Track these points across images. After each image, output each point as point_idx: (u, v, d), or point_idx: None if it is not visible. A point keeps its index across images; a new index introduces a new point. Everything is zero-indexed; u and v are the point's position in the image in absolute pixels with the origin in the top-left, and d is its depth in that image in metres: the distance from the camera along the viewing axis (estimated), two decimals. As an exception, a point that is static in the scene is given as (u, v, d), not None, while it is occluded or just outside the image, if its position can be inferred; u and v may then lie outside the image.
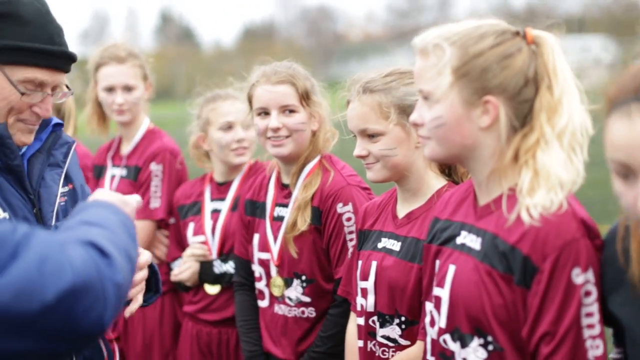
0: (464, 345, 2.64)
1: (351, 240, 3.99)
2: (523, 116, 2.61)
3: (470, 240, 2.67)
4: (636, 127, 2.12)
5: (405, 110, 3.42)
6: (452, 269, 2.69)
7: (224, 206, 5.03)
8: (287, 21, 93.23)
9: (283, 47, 79.51)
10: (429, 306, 2.82)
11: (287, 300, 4.20)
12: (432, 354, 2.79)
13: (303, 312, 4.18)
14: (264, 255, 4.30)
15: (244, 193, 4.57)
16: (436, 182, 3.52)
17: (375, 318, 3.49)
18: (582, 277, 2.44)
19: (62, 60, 3.04)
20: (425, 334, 2.90)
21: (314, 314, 4.18)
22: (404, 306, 3.39)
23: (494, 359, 2.57)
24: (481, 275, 2.58)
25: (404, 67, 3.53)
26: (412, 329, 3.37)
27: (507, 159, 2.61)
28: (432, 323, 2.78)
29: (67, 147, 3.22)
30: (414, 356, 3.30)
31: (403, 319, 3.41)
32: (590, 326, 2.45)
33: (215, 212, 5.05)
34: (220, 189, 5.11)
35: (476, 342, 2.60)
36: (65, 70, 3.08)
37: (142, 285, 3.11)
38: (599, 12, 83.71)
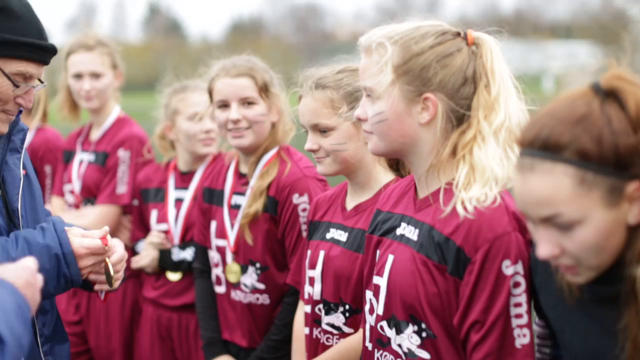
0: (399, 331, 2.73)
1: (306, 230, 4.05)
2: (461, 113, 2.70)
3: (408, 231, 2.75)
4: (529, 183, 2.20)
5: (355, 106, 3.43)
6: (390, 259, 2.78)
7: (187, 195, 5.12)
8: (276, 17, 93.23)
9: (270, 43, 79.48)
10: (368, 294, 2.90)
11: (243, 287, 4.28)
12: (370, 340, 2.87)
13: (257, 299, 4.26)
14: (221, 242, 4.38)
15: (201, 181, 4.68)
16: (384, 176, 3.60)
17: (321, 306, 3.57)
18: (512, 269, 2.54)
19: (49, 54, 3.16)
20: (365, 322, 2.98)
21: (267, 302, 4.26)
22: (349, 295, 3.46)
23: (427, 345, 2.67)
24: (417, 265, 2.68)
25: (355, 64, 3.56)
26: (356, 318, 3.45)
27: (445, 154, 2.70)
28: (371, 310, 2.86)
29: (23, 133, 3.29)
30: (356, 344, 3.36)
31: (347, 307, 3.48)
32: (519, 316, 2.54)
33: (179, 201, 5.13)
34: (184, 178, 5.19)
35: (411, 328, 2.70)
36: (48, 62, 3.20)
37: (123, 271, 3.25)
38: (586, 19, 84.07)
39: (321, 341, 3.58)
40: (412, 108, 2.71)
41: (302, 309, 3.76)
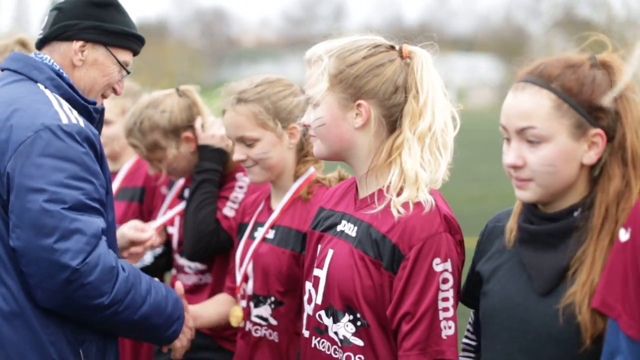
0: (336, 320, 2.96)
1: None
2: (394, 120, 2.97)
3: (348, 228, 2.99)
4: (517, 98, 2.64)
5: (277, 115, 3.76)
6: (330, 253, 3.01)
7: None
8: (181, 21, 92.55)
9: (175, 47, 78.88)
10: (308, 285, 3.12)
11: None
12: (308, 328, 3.10)
13: None
14: None
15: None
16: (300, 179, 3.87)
17: (252, 300, 3.80)
18: (442, 266, 2.81)
19: (142, 46, 3.59)
20: (233, 291, 3.39)
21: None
22: (276, 288, 3.69)
23: (361, 333, 2.91)
24: (355, 260, 2.91)
25: (273, 76, 3.88)
26: (279, 310, 3.70)
27: (382, 158, 2.96)
28: (310, 300, 3.09)
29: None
30: (225, 300, 3.87)
31: (273, 299, 3.72)
32: (446, 309, 2.81)
33: None
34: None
35: (346, 318, 2.93)
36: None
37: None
38: (488, 34, 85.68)
39: (251, 332, 3.81)
40: (347, 114, 2.97)
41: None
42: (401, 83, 2.96)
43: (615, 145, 2.60)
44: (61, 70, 3.37)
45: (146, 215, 5.06)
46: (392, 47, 3.01)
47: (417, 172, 2.89)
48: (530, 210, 2.70)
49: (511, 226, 2.76)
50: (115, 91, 3.54)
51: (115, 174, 5.15)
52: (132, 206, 5.13)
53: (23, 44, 3.87)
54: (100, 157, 3.26)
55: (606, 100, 2.58)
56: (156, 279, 3.47)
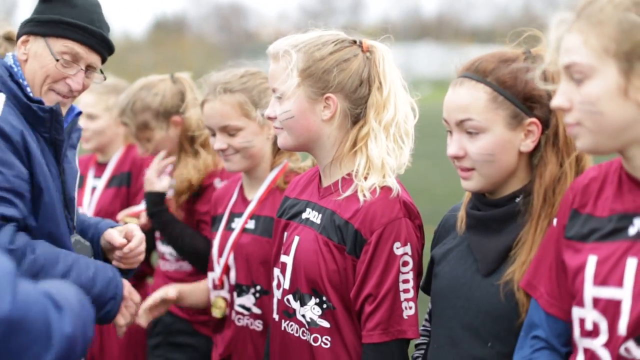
0: (303, 303, 3.10)
1: None
2: (359, 111, 3.10)
3: (313, 215, 3.13)
4: (456, 93, 2.79)
5: (259, 106, 3.90)
6: (296, 240, 3.15)
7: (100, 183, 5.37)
8: (199, 16, 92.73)
9: (193, 42, 79.03)
10: (276, 271, 3.25)
11: None
12: (277, 312, 3.23)
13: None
14: None
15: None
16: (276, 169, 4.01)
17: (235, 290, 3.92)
18: (402, 250, 2.95)
19: (97, 40, 3.44)
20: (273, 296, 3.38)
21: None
22: (260, 277, 3.81)
23: (327, 315, 3.04)
24: (320, 245, 3.05)
25: (252, 69, 4.02)
26: (263, 299, 3.81)
27: (346, 147, 3.10)
28: (278, 285, 3.22)
29: (79, 132, 3.61)
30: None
31: (258, 287, 3.83)
32: (406, 290, 2.96)
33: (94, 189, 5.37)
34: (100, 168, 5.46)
35: (313, 301, 3.07)
36: (101, 52, 3.48)
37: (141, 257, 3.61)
38: (507, 25, 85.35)
39: (234, 322, 3.91)
40: (316, 106, 3.09)
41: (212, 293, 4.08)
42: (365, 76, 3.10)
43: (550, 133, 2.76)
44: (15, 68, 3.40)
45: (133, 197, 5.26)
46: (354, 42, 3.14)
47: (384, 159, 3.03)
48: (477, 197, 2.86)
49: (462, 214, 2.90)
50: (70, 87, 3.43)
51: (105, 165, 5.38)
52: (121, 191, 5.33)
53: (9, 38, 3.85)
54: (20, 151, 3.22)
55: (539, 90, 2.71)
56: (98, 262, 3.46)
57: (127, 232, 3.58)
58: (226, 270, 3.95)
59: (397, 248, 2.94)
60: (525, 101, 2.75)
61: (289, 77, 3.07)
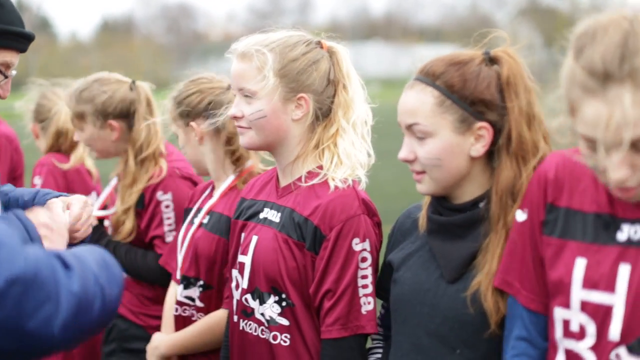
0: (262, 302, 3.11)
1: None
2: (325, 111, 3.15)
3: (272, 215, 3.15)
4: (406, 96, 2.78)
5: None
6: (255, 239, 3.16)
7: None
8: (147, 17, 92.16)
9: (142, 43, 78.55)
10: (234, 272, 3.26)
11: None
12: (236, 313, 3.23)
13: None
14: None
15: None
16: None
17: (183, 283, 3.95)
18: (360, 246, 2.98)
19: (29, 43, 3.16)
20: (229, 303, 3.34)
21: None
22: (203, 271, 3.85)
23: (287, 313, 3.06)
24: (279, 243, 3.07)
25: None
26: (206, 293, 3.85)
27: (310, 146, 3.14)
28: (237, 286, 3.23)
29: None
30: (218, 319, 3.76)
31: (202, 282, 3.86)
32: (365, 286, 2.99)
33: None
34: None
35: (272, 299, 3.08)
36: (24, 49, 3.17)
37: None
38: (454, 24, 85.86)
39: (180, 314, 3.95)
40: (288, 106, 3.11)
41: (174, 286, 4.10)
42: (332, 77, 3.14)
43: (504, 137, 2.72)
44: None
45: None
46: (318, 43, 3.18)
47: (355, 155, 3.09)
48: (439, 202, 2.83)
49: (422, 217, 2.89)
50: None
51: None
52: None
53: None
54: None
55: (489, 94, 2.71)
56: None
57: (68, 202, 3.13)
58: (183, 263, 3.98)
59: (356, 244, 2.97)
60: (474, 105, 2.72)
61: (265, 78, 3.08)
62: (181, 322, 3.94)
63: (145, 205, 4.45)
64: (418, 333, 2.79)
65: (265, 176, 3.37)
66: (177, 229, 4.31)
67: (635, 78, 2.10)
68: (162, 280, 4.33)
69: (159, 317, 4.23)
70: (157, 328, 4.33)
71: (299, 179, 3.12)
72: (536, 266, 2.52)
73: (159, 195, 4.43)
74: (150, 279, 4.45)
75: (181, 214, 4.24)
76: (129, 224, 4.44)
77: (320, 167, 3.10)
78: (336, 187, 3.03)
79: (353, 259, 2.97)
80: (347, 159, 3.08)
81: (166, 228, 4.41)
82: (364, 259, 2.98)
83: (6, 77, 3.12)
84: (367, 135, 3.16)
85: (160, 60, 71.00)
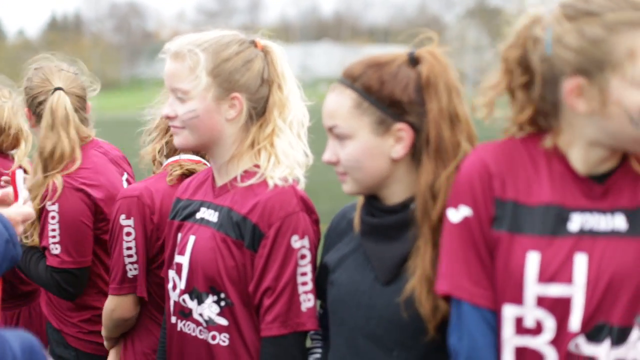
0: (200, 302, 3.09)
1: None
2: (259, 110, 3.14)
3: (209, 214, 3.14)
4: (328, 99, 2.77)
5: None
6: (192, 239, 3.14)
7: None
8: (96, 16, 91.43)
9: (91, 42, 77.90)
10: (171, 273, 3.24)
11: None
12: (174, 314, 3.21)
13: None
14: None
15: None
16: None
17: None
18: (299, 243, 2.97)
19: None
20: (117, 289, 3.57)
21: None
22: None
23: (225, 312, 3.04)
24: (217, 242, 3.06)
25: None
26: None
27: (245, 145, 3.13)
28: (174, 287, 3.20)
29: None
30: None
31: None
32: (304, 283, 2.98)
33: None
34: None
35: (211, 299, 3.06)
36: None
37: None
38: (403, 24, 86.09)
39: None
40: (221, 106, 3.10)
41: None
42: (266, 76, 3.13)
43: (423, 138, 2.68)
44: None
45: None
46: (252, 42, 3.16)
47: (292, 154, 3.09)
48: (371, 203, 2.81)
49: (356, 219, 2.87)
50: None
51: None
52: None
53: None
54: None
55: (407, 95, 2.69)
56: None
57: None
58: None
59: (295, 241, 2.96)
60: (392, 106, 2.69)
61: (198, 78, 3.06)
62: None
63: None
64: (355, 335, 2.77)
65: (201, 176, 3.35)
66: (69, 245, 4.18)
67: None
68: (53, 288, 4.21)
69: (77, 325, 4.26)
70: (74, 336, 4.33)
71: (235, 179, 3.11)
72: (484, 265, 2.45)
73: (48, 205, 4.19)
74: (42, 286, 4.31)
75: (71, 227, 4.12)
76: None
77: (257, 167, 3.08)
78: (275, 185, 3.02)
79: (292, 256, 2.96)
80: (286, 159, 3.08)
81: (50, 243, 4.18)
82: (303, 256, 2.98)
83: None
84: (303, 135, 3.17)
85: (110, 59, 70.45)
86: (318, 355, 3.05)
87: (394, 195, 2.76)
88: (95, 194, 4.21)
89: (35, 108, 4.28)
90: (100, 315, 4.07)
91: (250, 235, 3.00)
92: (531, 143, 2.47)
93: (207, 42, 3.10)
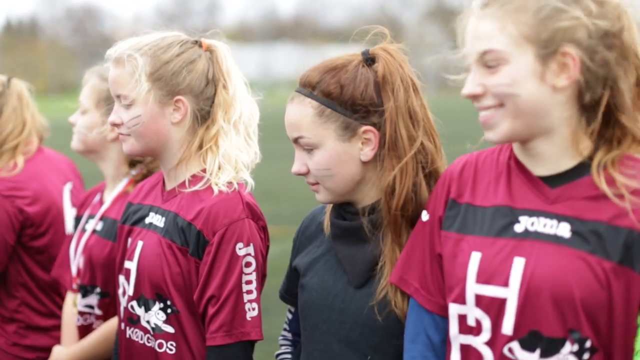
0: (147, 309, 3.06)
1: None
2: (206, 111, 3.09)
3: (156, 219, 3.10)
4: (288, 109, 2.75)
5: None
6: (140, 244, 3.11)
7: None
8: (52, 19, 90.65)
9: (47, 45, 77.22)
10: (121, 279, 3.20)
11: None
12: (123, 320, 3.18)
13: None
14: None
15: None
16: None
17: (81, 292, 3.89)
18: (244, 250, 2.94)
19: None
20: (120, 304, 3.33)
21: None
22: (99, 279, 3.81)
23: (172, 320, 3.01)
24: (163, 248, 3.01)
25: None
26: (104, 301, 3.81)
27: (193, 148, 3.08)
28: (124, 293, 3.17)
29: None
30: (113, 326, 3.65)
31: (99, 290, 3.82)
32: (249, 292, 2.95)
33: None
34: None
35: (157, 306, 3.03)
36: None
37: None
38: (363, 24, 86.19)
39: (80, 322, 3.90)
40: (165, 110, 3.06)
41: (70, 298, 4.02)
42: (211, 77, 3.09)
43: (383, 138, 2.69)
44: None
45: None
46: (195, 42, 3.13)
47: (237, 156, 3.05)
48: (341, 206, 2.80)
49: (326, 222, 2.86)
50: None
51: None
52: None
53: None
54: None
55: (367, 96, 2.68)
56: None
57: None
58: (79, 271, 3.91)
59: (240, 249, 2.93)
60: (355, 110, 2.69)
61: (138, 83, 3.02)
62: (83, 332, 3.89)
63: None
64: (328, 340, 2.76)
65: (152, 180, 3.31)
66: None
67: None
68: None
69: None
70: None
71: (183, 183, 3.08)
72: (433, 266, 2.51)
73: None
74: None
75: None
76: None
77: (204, 171, 3.05)
78: (220, 191, 2.98)
79: (237, 264, 2.92)
80: (228, 162, 3.04)
81: None
82: (248, 264, 2.94)
83: None
84: (253, 134, 3.12)
85: (66, 63, 69.89)
86: None
87: (366, 197, 2.76)
88: (22, 201, 4.20)
89: None
90: (26, 328, 4.14)
91: (195, 242, 2.97)
92: (508, 148, 2.48)
93: (147, 45, 3.06)
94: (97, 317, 3.86)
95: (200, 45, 3.12)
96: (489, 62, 2.30)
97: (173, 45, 3.07)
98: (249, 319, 2.93)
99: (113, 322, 3.73)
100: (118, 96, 3.08)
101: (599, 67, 2.28)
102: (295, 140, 2.74)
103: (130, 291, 3.12)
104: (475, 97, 2.34)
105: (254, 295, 2.95)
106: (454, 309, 2.43)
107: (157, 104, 3.04)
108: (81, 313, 3.90)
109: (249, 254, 2.94)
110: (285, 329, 3.08)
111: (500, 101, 2.30)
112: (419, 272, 2.54)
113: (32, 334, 4.29)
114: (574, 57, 2.27)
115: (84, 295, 3.88)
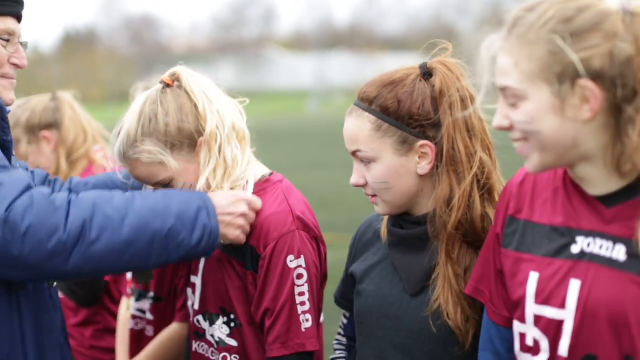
0: (212, 323, 3.11)
1: None
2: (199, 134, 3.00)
3: None
4: (347, 123, 2.79)
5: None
6: (202, 260, 3.13)
7: None
8: (110, 29, 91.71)
9: (104, 54, 78.14)
10: (189, 292, 3.26)
11: None
12: (191, 334, 3.23)
13: None
14: None
15: None
16: None
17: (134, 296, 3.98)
18: (295, 263, 2.95)
19: (20, 6, 3.08)
20: (180, 317, 3.53)
21: None
22: (153, 283, 3.88)
23: (235, 334, 3.07)
24: (224, 263, 3.05)
25: None
26: (157, 306, 3.92)
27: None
28: (192, 306, 3.22)
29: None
30: (170, 335, 3.76)
31: (152, 294, 3.91)
32: (302, 303, 2.96)
33: None
34: None
35: (221, 320, 3.08)
36: (21, 16, 3.08)
37: None
38: (419, 33, 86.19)
39: (132, 327, 3.99)
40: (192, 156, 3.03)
41: (124, 303, 4.12)
42: (188, 109, 2.98)
43: (440, 153, 2.73)
44: None
45: None
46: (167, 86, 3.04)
47: (235, 160, 2.99)
48: (398, 214, 2.85)
49: (383, 229, 2.91)
50: (16, 65, 3.10)
51: None
52: None
53: None
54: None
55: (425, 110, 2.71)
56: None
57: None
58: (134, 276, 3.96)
59: (291, 261, 2.95)
60: (412, 124, 2.73)
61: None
62: (135, 337, 3.96)
63: None
64: (383, 346, 2.79)
65: None
66: None
67: None
68: None
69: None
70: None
71: None
72: (497, 280, 2.54)
73: None
74: None
75: None
76: None
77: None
78: (270, 205, 2.98)
79: (288, 276, 2.95)
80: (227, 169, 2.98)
81: None
82: (300, 276, 2.96)
83: (8, 40, 3.02)
84: (243, 140, 3.03)
85: (123, 72, 70.67)
86: None
87: (424, 207, 2.81)
88: None
89: None
90: (104, 331, 4.27)
91: (249, 256, 3.00)
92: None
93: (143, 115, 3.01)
94: (149, 322, 3.92)
95: (168, 85, 3.04)
96: (509, 98, 2.25)
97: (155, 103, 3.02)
98: (303, 330, 2.96)
99: (170, 331, 3.78)
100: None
101: (630, 91, 2.16)
102: (354, 154, 2.79)
103: (196, 306, 3.17)
104: (504, 129, 2.31)
105: (307, 307, 2.97)
106: (516, 327, 2.43)
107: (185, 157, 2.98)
108: (133, 317, 3.97)
109: (300, 266, 2.96)
110: (339, 334, 3.13)
111: (525, 136, 2.27)
112: (488, 284, 2.57)
113: (109, 337, 4.38)
114: (592, 89, 2.16)
115: (138, 299, 3.95)
